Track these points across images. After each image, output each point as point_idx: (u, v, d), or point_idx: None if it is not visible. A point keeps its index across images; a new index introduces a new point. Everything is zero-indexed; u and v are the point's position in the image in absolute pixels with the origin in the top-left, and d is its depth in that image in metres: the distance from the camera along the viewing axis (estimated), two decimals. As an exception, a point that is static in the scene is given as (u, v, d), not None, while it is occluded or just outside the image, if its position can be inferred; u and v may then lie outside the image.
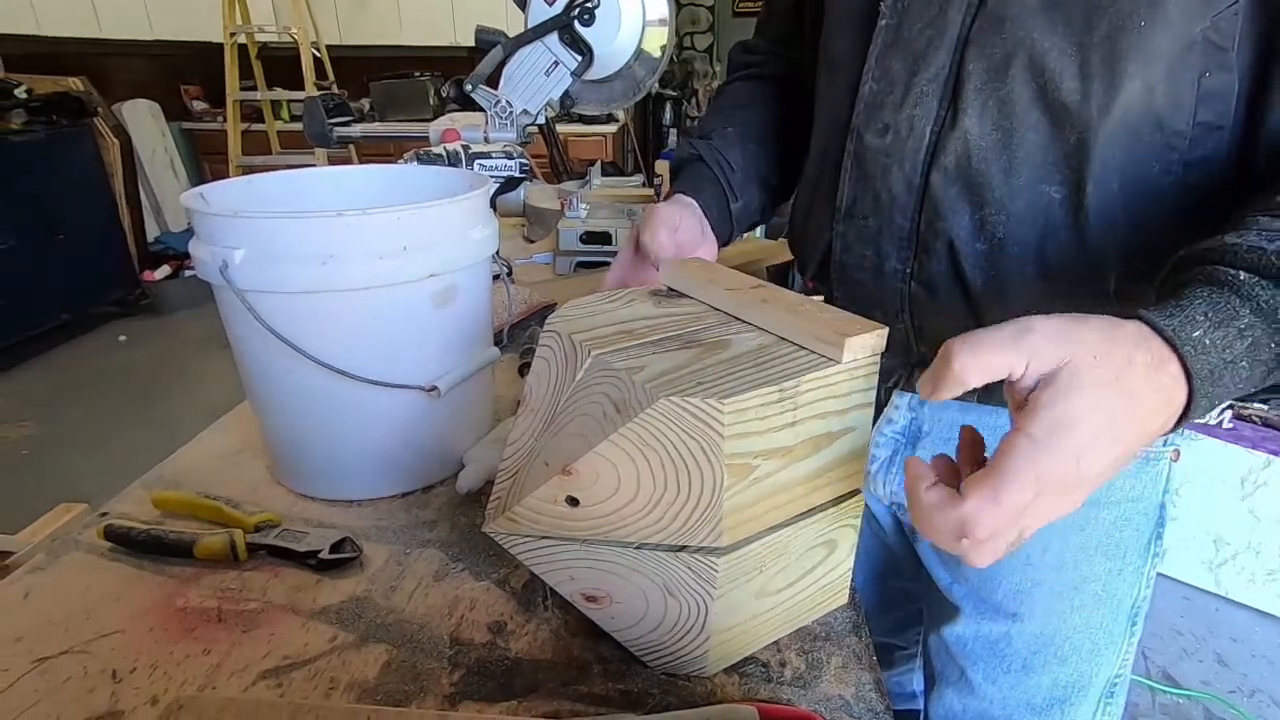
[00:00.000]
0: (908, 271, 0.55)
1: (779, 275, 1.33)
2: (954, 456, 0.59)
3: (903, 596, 0.87)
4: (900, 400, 0.64)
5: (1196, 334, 0.34)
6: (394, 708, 0.44)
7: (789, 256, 1.09)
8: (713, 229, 0.69)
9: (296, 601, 0.53)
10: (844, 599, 0.53)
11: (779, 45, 0.75)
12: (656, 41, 1.07)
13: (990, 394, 0.57)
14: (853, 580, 0.53)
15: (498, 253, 0.68)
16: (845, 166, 0.56)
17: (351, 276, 0.55)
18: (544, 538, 0.46)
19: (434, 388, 0.61)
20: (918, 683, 0.97)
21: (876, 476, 0.68)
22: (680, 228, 0.65)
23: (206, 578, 0.55)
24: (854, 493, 0.47)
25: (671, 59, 1.82)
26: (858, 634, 0.51)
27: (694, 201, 0.69)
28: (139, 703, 0.45)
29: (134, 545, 0.57)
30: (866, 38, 0.53)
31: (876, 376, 0.44)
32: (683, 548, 0.42)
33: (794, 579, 0.47)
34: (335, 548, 0.56)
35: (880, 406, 0.64)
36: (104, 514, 0.62)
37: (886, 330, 0.43)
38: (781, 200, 0.76)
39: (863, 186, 0.56)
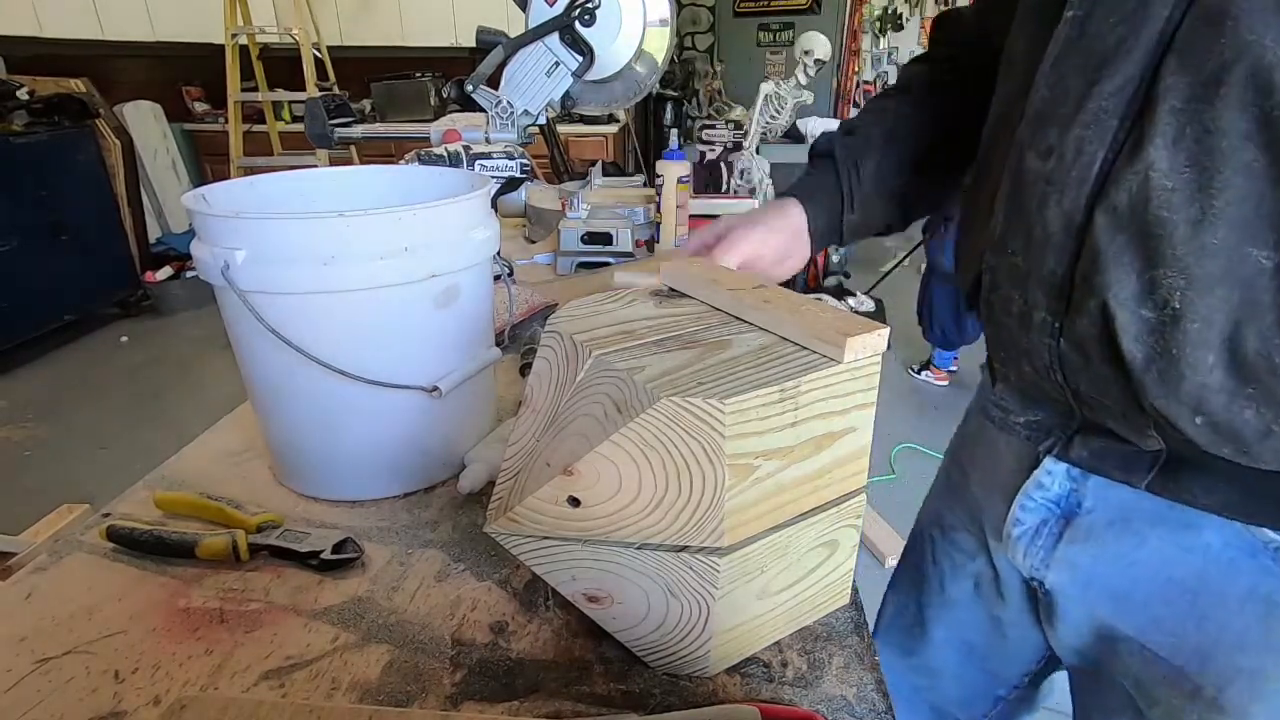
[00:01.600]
0: (1057, 326, 0.45)
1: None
2: (1111, 537, 0.51)
3: (991, 680, 0.73)
4: (1055, 467, 0.54)
5: None
6: (396, 708, 0.44)
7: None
8: (816, 236, 0.66)
9: (298, 602, 0.53)
10: (846, 599, 0.53)
11: (959, 47, 0.67)
12: (657, 42, 1.07)
13: (1169, 485, 0.47)
14: (854, 580, 0.53)
15: (499, 253, 0.68)
16: (1001, 187, 0.48)
17: (353, 277, 0.55)
18: (545, 538, 0.46)
19: (435, 388, 0.62)
20: None
21: (1019, 543, 0.58)
22: (760, 257, 0.63)
23: (209, 578, 0.55)
24: (856, 493, 0.47)
25: (672, 59, 1.82)
26: (859, 634, 0.51)
27: (800, 209, 0.65)
28: (141, 703, 0.45)
29: (136, 546, 0.57)
30: (1048, 34, 0.44)
31: (878, 376, 0.44)
32: (684, 548, 0.42)
33: (796, 579, 0.47)
34: (337, 548, 0.56)
35: (1031, 467, 0.56)
36: (106, 514, 0.62)
37: (888, 330, 0.43)
38: (919, 215, 0.71)
39: (1016, 217, 0.46)
